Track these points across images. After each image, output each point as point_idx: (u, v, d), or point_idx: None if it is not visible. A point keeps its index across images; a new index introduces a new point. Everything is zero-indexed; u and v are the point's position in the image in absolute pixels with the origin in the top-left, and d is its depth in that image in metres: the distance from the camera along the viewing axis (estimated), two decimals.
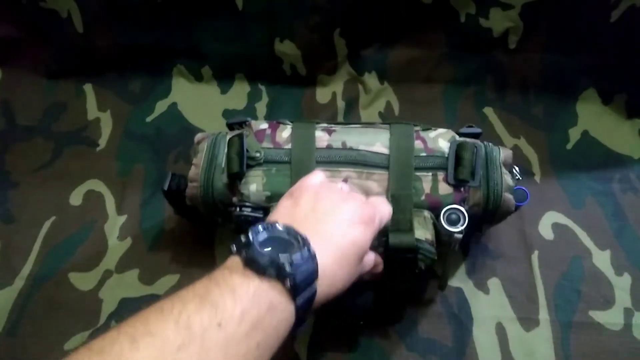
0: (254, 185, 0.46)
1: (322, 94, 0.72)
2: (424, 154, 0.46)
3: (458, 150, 0.46)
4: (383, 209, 0.40)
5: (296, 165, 0.46)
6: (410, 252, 0.43)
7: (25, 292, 0.55)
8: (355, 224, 0.36)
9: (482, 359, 0.49)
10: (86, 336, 0.51)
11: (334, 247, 0.34)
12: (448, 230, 0.44)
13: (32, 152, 0.67)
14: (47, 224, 0.60)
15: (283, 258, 0.30)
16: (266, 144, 0.47)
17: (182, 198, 0.49)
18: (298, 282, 0.30)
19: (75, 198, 0.62)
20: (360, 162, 0.46)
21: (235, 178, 0.46)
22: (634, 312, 0.52)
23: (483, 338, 0.50)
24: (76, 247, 0.58)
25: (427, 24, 0.68)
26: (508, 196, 0.46)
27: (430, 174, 0.45)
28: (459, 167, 0.45)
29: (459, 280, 0.54)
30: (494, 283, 0.54)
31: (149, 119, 0.70)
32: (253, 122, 0.50)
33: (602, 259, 0.56)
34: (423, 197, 0.45)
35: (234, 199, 0.47)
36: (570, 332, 0.51)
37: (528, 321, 0.51)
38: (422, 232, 0.44)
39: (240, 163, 0.45)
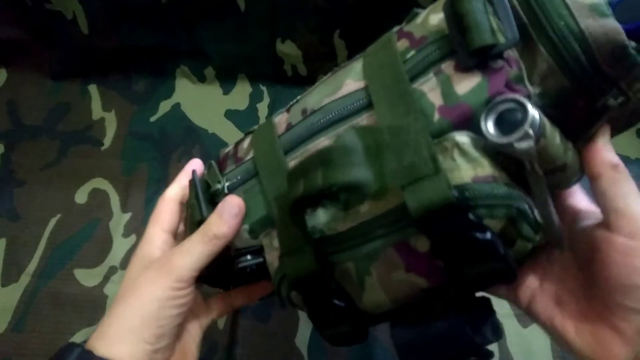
0: None
1: None
2: (412, 52, 0.29)
3: (455, 6, 0.26)
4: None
5: (263, 173, 0.34)
6: (454, 210, 0.24)
7: (31, 288, 0.56)
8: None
9: None
10: (91, 332, 0.52)
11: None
12: (503, 142, 0.24)
13: (37, 151, 0.68)
14: (52, 222, 0.61)
15: None
16: (230, 167, 0.36)
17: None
18: None
19: (81, 196, 0.63)
20: (328, 122, 0.31)
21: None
22: None
23: None
24: (81, 244, 0.59)
25: None
26: (601, 23, 0.25)
27: (431, 74, 0.28)
28: (468, 32, 0.26)
29: None
30: None
31: (152, 119, 0.71)
32: (221, 150, 0.40)
33: None
34: (436, 116, 0.26)
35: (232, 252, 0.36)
36: None
37: (525, 317, 0.52)
38: (467, 169, 0.25)
39: (199, 207, 0.35)
